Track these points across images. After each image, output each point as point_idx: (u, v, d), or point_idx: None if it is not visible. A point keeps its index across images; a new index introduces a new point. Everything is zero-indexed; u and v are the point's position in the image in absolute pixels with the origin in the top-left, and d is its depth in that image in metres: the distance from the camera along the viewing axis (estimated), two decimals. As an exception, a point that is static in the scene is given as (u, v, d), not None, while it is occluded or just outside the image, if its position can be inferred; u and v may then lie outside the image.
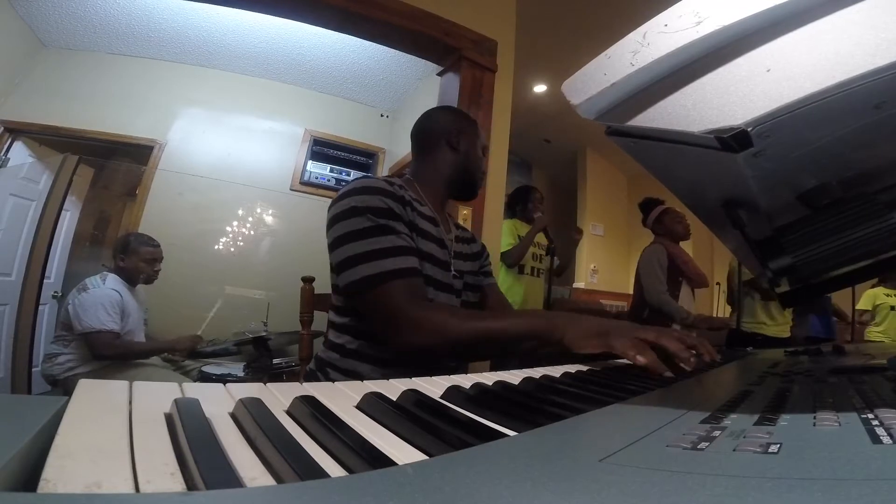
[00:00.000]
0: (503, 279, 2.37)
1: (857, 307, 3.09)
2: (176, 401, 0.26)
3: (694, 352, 0.59)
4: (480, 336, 0.73)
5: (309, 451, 0.22)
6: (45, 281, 2.66)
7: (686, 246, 2.52)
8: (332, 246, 0.80)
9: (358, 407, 0.33)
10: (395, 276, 0.75)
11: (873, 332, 3.12)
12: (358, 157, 3.56)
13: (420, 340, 0.73)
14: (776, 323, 2.39)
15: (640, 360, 0.55)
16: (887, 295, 3.13)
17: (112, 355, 1.92)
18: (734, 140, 0.28)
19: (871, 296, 3.16)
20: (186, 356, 2.36)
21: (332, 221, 0.80)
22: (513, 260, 2.38)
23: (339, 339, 0.86)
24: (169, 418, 0.25)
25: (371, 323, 0.81)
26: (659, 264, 2.24)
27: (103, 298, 1.91)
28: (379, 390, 0.36)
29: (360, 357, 0.84)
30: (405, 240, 0.79)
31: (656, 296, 2.21)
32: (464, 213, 1.98)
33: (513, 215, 2.56)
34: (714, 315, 2.52)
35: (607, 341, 0.62)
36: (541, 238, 2.49)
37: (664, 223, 2.35)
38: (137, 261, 2.07)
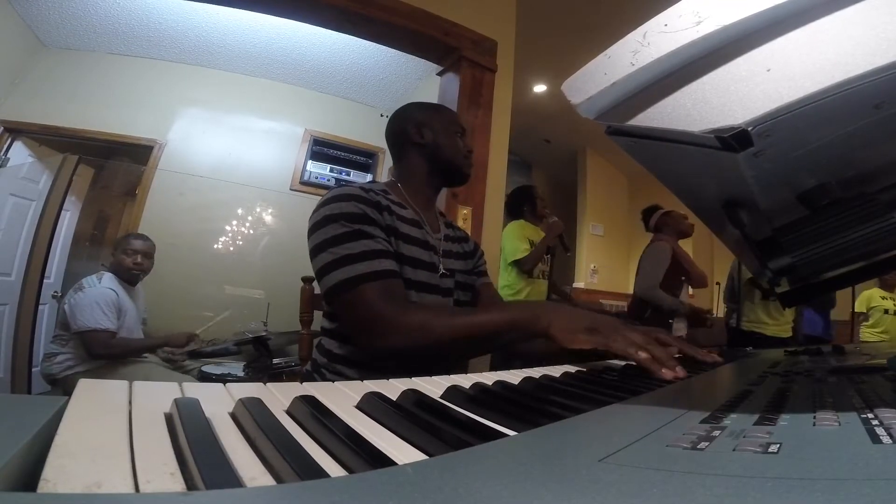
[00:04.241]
0: (513, 283, 2.32)
1: (856, 310, 3.10)
2: (176, 401, 0.26)
3: (677, 361, 0.54)
4: (461, 332, 0.69)
5: (309, 451, 0.22)
6: (44, 281, 2.66)
7: (686, 245, 2.52)
8: (311, 255, 0.80)
9: (358, 407, 0.33)
10: (368, 278, 0.74)
11: (866, 332, 3.13)
12: (358, 157, 3.56)
13: (399, 342, 0.70)
14: (777, 322, 2.40)
15: (643, 356, 0.53)
16: (883, 298, 3.14)
17: (107, 354, 1.92)
18: (734, 140, 0.28)
19: (866, 298, 3.17)
20: (185, 354, 2.35)
21: (310, 233, 0.80)
22: (529, 266, 2.30)
23: (329, 344, 0.87)
24: (169, 418, 0.25)
25: (349, 328, 0.80)
26: (660, 261, 2.24)
27: (99, 297, 1.91)
28: (379, 390, 0.36)
29: (347, 363, 0.83)
30: (380, 243, 0.78)
31: (645, 289, 2.22)
32: (463, 214, 1.97)
33: (518, 216, 2.48)
34: (712, 311, 2.52)
35: (601, 339, 0.59)
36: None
37: (670, 223, 2.36)
38: (120, 253, 2.08)
